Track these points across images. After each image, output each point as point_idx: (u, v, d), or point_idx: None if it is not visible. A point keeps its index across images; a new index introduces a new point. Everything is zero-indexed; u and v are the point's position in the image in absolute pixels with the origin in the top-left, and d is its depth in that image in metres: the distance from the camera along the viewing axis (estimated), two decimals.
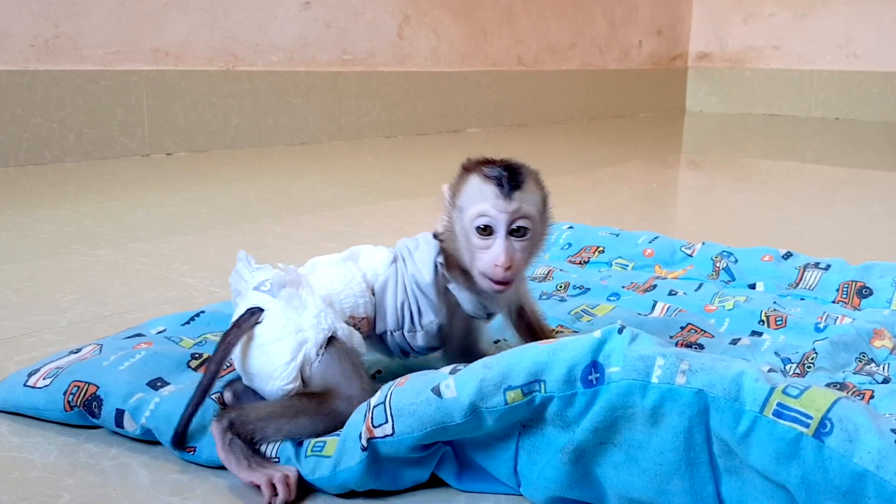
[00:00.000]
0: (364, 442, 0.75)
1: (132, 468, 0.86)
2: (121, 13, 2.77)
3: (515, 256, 0.85)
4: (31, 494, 0.80)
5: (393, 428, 0.74)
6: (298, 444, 0.80)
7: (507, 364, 0.72)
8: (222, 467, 0.84)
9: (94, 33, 2.71)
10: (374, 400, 0.78)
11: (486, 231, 0.85)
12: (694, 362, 0.67)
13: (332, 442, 0.79)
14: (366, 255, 0.96)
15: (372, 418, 0.75)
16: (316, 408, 0.81)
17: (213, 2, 3.00)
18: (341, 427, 0.80)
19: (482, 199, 0.85)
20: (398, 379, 0.79)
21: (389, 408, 0.75)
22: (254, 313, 0.84)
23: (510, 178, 0.85)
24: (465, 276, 0.90)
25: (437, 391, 0.73)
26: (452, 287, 0.91)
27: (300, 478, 0.79)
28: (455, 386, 0.72)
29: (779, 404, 0.63)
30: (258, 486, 0.78)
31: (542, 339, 0.79)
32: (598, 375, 0.69)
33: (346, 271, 0.92)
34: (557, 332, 1.16)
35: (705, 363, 0.67)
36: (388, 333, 0.94)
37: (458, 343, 0.96)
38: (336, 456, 0.77)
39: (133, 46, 2.81)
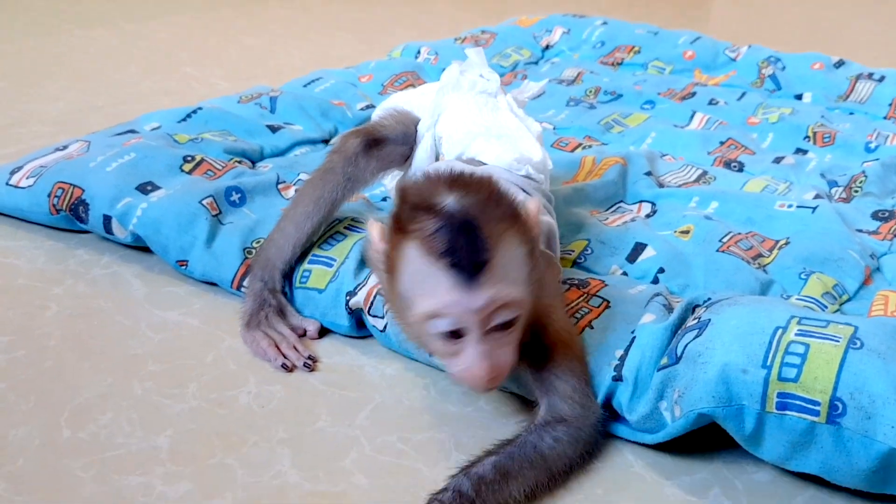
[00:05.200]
0: (352, 306, 0.73)
1: (125, 278, 0.80)
2: None
3: (501, 360, 0.57)
4: (16, 304, 0.75)
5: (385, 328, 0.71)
6: (290, 272, 0.75)
7: None
8: (215, 284, 0.79)
9: None
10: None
11: (452, 335, 0.56)
12: (680, 381, 0.59)
13: (317, 273, 0.75)
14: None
15: (371, 306, 0.71)
16: None
17: None
18: None
19: (434, 291, 0.55)
20: None
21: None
22: None
23: (471, 252, 0.53)
24: None
25: None
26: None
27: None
28: None
29: (779, 394, 0.56)
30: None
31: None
32: None
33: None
34: (586, 145, 1.07)
35: (687, 375, 0.59)
36: None
37: None
38: (323, 308, 0.74)
39: None
